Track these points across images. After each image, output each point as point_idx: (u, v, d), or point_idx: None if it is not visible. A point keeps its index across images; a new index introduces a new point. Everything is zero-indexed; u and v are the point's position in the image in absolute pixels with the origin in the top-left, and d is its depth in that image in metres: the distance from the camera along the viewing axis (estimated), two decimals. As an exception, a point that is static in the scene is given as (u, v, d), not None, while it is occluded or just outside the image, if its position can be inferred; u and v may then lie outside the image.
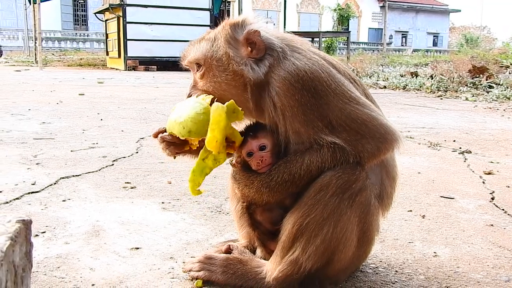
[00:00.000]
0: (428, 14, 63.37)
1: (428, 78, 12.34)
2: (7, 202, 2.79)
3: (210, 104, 1.63)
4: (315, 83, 1.60)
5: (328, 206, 1.58)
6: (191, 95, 1.76)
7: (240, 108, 1.64)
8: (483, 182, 3.49)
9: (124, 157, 4.00)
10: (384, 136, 1.63)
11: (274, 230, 1.74)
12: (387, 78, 13.19)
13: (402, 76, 13.45)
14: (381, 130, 1.63)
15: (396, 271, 2.04)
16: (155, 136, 1.81)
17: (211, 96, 1.67)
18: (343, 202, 1.59)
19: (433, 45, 62.04)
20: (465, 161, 4.16)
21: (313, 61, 1.66)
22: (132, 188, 3.15)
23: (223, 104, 1.61)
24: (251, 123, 1.80)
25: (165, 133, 1.76)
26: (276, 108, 1.63)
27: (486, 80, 11.31)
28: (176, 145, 1.74)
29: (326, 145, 1.60)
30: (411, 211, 2.83)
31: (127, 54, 20.11)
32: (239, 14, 22.45)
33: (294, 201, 1.67)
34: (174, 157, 1.81)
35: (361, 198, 1.62)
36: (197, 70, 1.75)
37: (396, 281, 1.94)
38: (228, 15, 23.47)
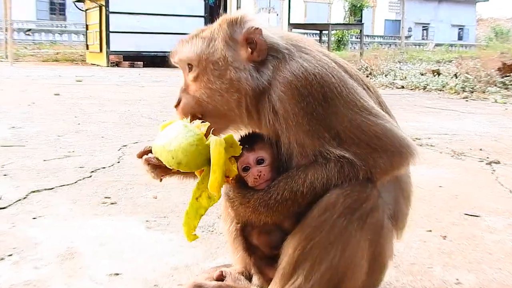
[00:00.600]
0: (452, 4, 63.59)
1: (452, 77, 12.36)
2: (-31, 220, 2.79)
3: (206, 134, 1.64)
4: (325, 89, 1.61)
5: (335, 229, 1.59)
6: (180, 101, 1.76)
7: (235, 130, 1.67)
8: (514, 198, 3.50)
9: (104, 168, 4.00)
10: (399, 150, 1.65)
11: (273, 255, 1.74)
12: (405, 77, 13.21)
13: (422, 75, 13.48)
14: (396, 144, 1.64)
15: (413, 301, 2.04)
16: (139, 156, 1.81)
17: (207, 124, 1.67)
18: (352, 223, 1.59)
19: (458, 39, 62.19)
20: (493, 173, 4.16)
21: (323, 63, 1.66)
22: (112, 203, 3.15)
23: (219, 135, 1.63)
24: (247, 133, 1.81)
25: (150, 155, 1.76)
26: (278, 115, 1.63)
27: (518, 79, 11.33)
28: (163, 168, 1.73)
29: (333, 159, 1.61)
30: (430, 231, 2.83)
31: (109, 49, 20.15)
32: (237, 4, 22.52)
33: (295, 222, 1.67)
34: (160, 180, 1.81)
35: (372, 219, 1.62)
36: (189, 71, 1.75)
37: (412, 313, 1.94)
38: (225, 4, 23.51)
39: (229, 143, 1.63)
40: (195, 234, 1.68)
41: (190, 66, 1.75)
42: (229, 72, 1.67)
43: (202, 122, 1.67)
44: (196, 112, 1.74)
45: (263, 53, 1.68)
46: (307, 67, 1.62)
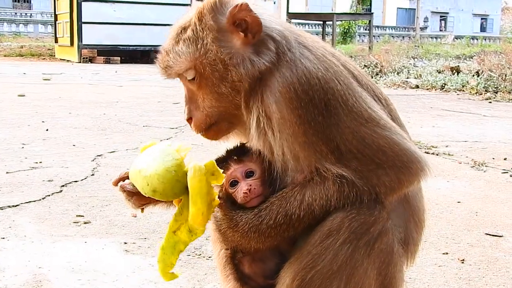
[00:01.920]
0: (474, -9, 63.98)
1: (473, 75, 12.44)
2: None
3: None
4: (328, 96, 1.62)
5: (339, 256, 1.61)
6: (191, 119, 1.76)
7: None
8: (541, 215, 3.54)
9: (76, 181, 4.02)
10: (407, 165, 1.67)
11: (268, 285, 1.76)
12: (420, 75, 13.28)
13: (439, 73, 13.56)
14: (403, 158, 1.66)
15: (426, 334, 2.07)
16: (115, 184, 1.83)
17: (189, 148, 1.69)
18: (358, 250, 1.62)
19: (481, 31, 62.50)
20: (518, 187, 4.21)
21: (328, 65, 1.67)
22: (85, 223, 3.17)
23: (201, 163, 1.62)
24: (235, 144, 1.83)
25: (127, 181, 1.78)
26: (272, 121, 1.64)
27: (549, 78, 11.41)
28: (140, 196, 1.73)
29: (331, 177, 1.63)
30: (447, 253, 2.87)
31: (82, 42, 20.12)
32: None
33: (293, 246, 1.70)
34: (142, 211, 1.83)
35: (381, 244, 1.65)
36: (190, 81, 1.74)
37: None
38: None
39: (210, 170, 1.62)
40: (173, 273, 1.68)
41: (190, 75, 1.73)
42: (229, 72, 1.67)
43: (181, 145, 1.69)
44: (211, 122, 1.75)
45: (258, 29, 1.65)
46: (311, 69, 1.62)
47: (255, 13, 1.65)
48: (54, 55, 23.03)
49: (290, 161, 1.67)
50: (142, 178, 1.64)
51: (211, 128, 1.76)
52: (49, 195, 3.67)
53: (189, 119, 1.78)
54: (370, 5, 31.97)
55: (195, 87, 1.74)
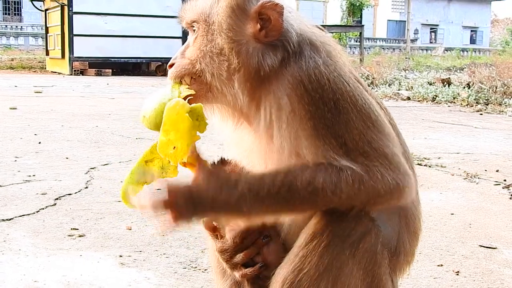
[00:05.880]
0: (464, 3, 64.53)
1: (464, 87, 12.55)
2: None
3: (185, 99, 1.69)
4: (337, 96, 1.67)
5: (325, 258, 1.64)
6: (172, 64, 1.80)
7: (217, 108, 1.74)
8: (534, 227, 3.57)
9: (70, 194, 4.02)
10: (404, 174, 1.69)
11: None
12: (412, 87, 13.39)
13: (430, 84, 13.67)
14: (400, 169, 1.69)
15: None
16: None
17: (190, 91, 1.72)
18: (343, 251, 1.65)
19: (471, 43, 63.04)
20: (511, 198, 4.24)
21: (342, 71, 1.72)
22: (80, 236, 3.17)
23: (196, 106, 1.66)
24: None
25: None
26: (281, 113, 1.68)
27: (539, 89, 11.54)
28: None
29: (340, 166, 1.63)
30: (441, 265, 2.89)
31: (73, 54, 20.15)
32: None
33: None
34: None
35: (365, 244, 1.68)
36: (193, 33, 1.81)
37: None
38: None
39: (195, 113, 1.64)
40: (128, 200, 1.68)
41: (193, 27, 1.80)
42: (221, 38, 1.72)
43: (188, 88, 1.73)
44: (186, 74, 1.78)
45: (273, 35, 1.69)
46: (322, 70, 1.67)
47: (282, 22, 1.69)
48: (45, 68, 23.05)
49: (292, 158, 1.69)
50: (145, 103, 1.71)
51: (185, 79, 1.78)
52: (43, 208, 3.66)
53: (171, 65, 1.81)
54: (361, 17, 32.25)
55: (193, 40, 1.80)
